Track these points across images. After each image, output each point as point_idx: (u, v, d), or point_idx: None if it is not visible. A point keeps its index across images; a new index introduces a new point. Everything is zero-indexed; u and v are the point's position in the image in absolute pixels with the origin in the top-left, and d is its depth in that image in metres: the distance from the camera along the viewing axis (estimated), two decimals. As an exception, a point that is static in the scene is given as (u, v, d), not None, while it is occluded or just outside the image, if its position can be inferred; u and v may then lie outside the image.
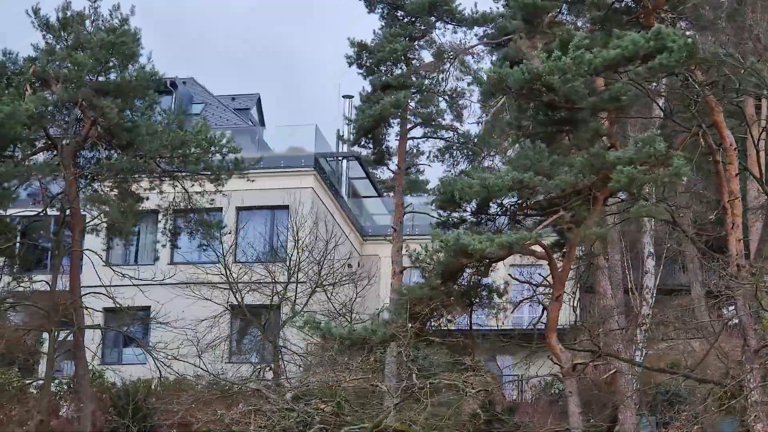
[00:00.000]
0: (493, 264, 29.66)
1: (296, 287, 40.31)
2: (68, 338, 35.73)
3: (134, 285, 35.28)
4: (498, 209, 29.96)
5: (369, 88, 38.08)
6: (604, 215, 30.88)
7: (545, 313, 29.94)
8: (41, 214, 34.89)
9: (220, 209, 40.92)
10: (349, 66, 38.41)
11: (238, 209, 45.24)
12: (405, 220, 45.07)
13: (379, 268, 46.69)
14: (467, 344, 29.64)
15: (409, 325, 27.38)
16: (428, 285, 28.53)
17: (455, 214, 30.01)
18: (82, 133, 34.28)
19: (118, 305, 35.63)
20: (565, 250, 30.02)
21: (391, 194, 44.76)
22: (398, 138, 38.01)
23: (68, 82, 33.53)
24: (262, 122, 57.77)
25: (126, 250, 41.71)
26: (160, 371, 35.98)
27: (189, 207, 35.37)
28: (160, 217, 36.63)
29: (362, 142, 37.75)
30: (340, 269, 41.86)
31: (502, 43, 41.24)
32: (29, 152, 34.04)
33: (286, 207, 45.02)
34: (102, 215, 33.51)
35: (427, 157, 38.55)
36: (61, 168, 33.32)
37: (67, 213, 34.35)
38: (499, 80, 29.27)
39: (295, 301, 40.41)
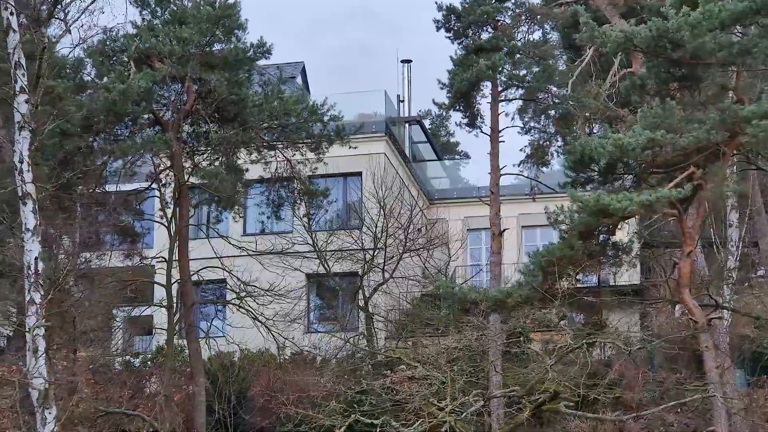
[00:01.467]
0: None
1: (384, 253, 40.32)
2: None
3: (250, 255, 35.20)
4: (624, 169, 30.10)
5: (454, 52, 37.98)
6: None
7: (676, 269, 30.07)
8: (149, 189, 34.66)
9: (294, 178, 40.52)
10: (437, 30, 38.36)
11: (310, 177, 45.10)
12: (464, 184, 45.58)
13: (447, 231, 46.62)
14: (600, 303, 29.75)
15: (565, 284, 27.36)
16: (567, 245, 28.61)
17: (582, 175, 30.09)
18: (186, 107, 34.03)
19: (236, 279, 35.57)
20: (692, 206, 30.13)
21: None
22: (490, 101, 37.95)
23: (172, 58, 33.21)
24: (307, 90, 57.47)
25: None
26: (278, 345, 35.96)
27: (292, 176, 35.15)
28: (263, 188, 36.45)
29: (457, 107, 37.59)
30: (425, 233, 41.93)
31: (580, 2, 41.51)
32: (136, 129, 33.80)
33: (359, 174, 45.02)
34: (213, 188, 33.25)
35: (521, 119, 38.42)
36: (171, 142, 33.07)
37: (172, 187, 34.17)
38: (627, 39, 29.29)
39: (384, 267, 40.47)
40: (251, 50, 33.55)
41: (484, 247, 48.22)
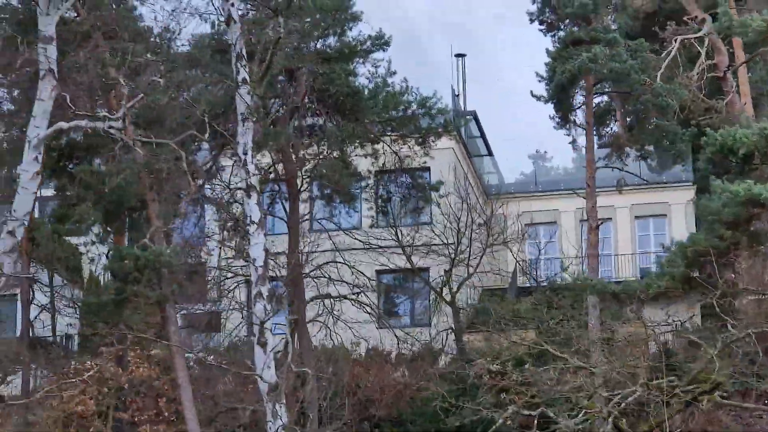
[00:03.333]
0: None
1: (470, 248, 40.21)
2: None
3: (375, 249, 34.93)
4: (761, 159, 30.20)
5: (549, 45, 37.93)
6: None
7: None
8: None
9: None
10: (531, 22, 38.31)
11: (377, 173, 44.85)
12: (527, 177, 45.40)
13: (507, 226, 46.60)
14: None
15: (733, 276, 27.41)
16: (716, 235, 28.67)
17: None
18: (298, 100, 33.64)
19: (357, 273, 35.31)
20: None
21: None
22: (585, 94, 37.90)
23: (283, 50, 32.77)
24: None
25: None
26: (398, 340, 35.77)
27: (400, 169, 34.92)
28: (370, 182, 36.16)
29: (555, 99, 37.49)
30: (506, 229, 41.89)
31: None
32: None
33: (428, 169, 44.79)
34: (333, 182, 32.94)
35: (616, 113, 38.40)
36: (284, 136, 32.68)
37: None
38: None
39: (468, 262, 40.36)
40: (368, 42, 33.18)
41: (542, 241, 48.28)
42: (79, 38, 30.05)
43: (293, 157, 33.77)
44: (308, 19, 32.77)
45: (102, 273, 44.20)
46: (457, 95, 50.36)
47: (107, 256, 39.81)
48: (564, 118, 38.72)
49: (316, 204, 37.54)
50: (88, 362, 33.39)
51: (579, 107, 38.04)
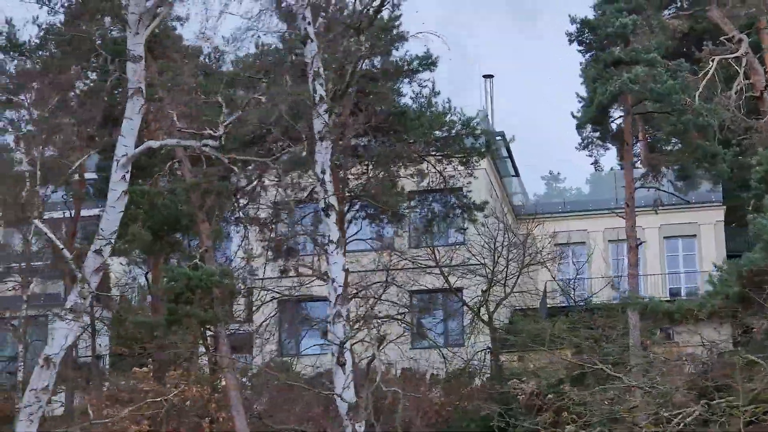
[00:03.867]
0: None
1: (507, 268, 40.18)
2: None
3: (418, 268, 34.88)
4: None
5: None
6: None
7: None
8: (306, 202, 34.25)
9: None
10: (570, 43, 38.40)
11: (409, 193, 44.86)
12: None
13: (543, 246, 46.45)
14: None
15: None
16: (771, 254, 28.73)
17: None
18: (342, 120, 33.60)
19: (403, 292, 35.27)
20: None
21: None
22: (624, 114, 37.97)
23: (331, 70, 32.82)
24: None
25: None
26: (445, 359, 35.68)
27: (446, 188, 34.97)
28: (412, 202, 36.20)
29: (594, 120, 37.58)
30: (542, 249, 41.83)
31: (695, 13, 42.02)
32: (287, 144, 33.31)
33: (460, 189, 44.79)
34: (381, 202, 32.94)
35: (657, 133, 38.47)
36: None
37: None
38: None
39: (505, 282, 40.34)
40: (414, 62, 33.24)
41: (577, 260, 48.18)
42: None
43: (339, 176, 33.68)
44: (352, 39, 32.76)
45: (134, 293, 44.32)
46: (486, 115, 50.42)
47: (145, 277, 39.96)
48: (602, 139, 38.83)
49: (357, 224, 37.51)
50: (135, 383, 33.33)
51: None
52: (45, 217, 41.55)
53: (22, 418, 18.69)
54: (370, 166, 34.04)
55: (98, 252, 18.85)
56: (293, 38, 33.63)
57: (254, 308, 36.67)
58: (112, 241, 19.03)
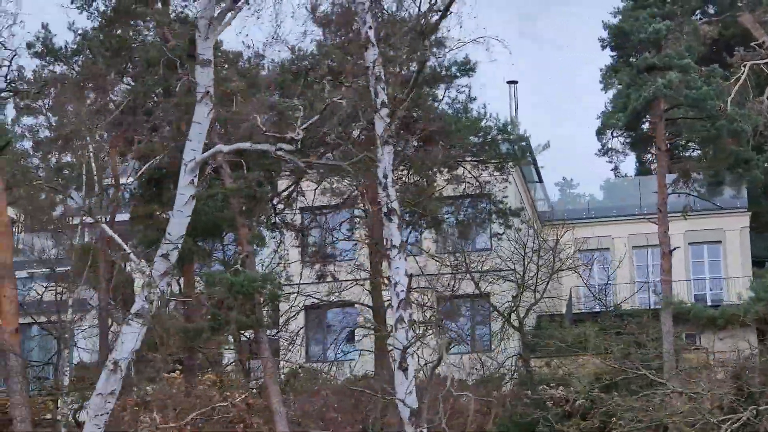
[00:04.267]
0: None
1: (537, 274, 40.15)
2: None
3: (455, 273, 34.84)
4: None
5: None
6: None
7: None
8: (343, 208, 34.27)
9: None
10: (602, 49, 38.43)
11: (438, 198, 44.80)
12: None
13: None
14: None
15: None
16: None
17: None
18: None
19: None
20: None
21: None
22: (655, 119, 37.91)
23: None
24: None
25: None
26: (482, 364, 35.59)
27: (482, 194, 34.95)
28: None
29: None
30: (572, 254, 41.84)
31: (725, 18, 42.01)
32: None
33: (488, 195, 44.74)
34: (422, 208, 32.91)
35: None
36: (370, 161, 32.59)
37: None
38: None
39: (535, 288, 40.30)
40: (453, 67, 33.22)
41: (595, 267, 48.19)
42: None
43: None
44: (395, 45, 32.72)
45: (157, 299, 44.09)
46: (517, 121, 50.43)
47: (178, 283, 39.84)
48: (634, 145, 38.82)
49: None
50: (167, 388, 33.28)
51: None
52: (75, 222, 41.69)
53: (88, 422, 18.60)
54: (407, 172, 33.94)
55: (165, 256, 18.80)
56: (331, 45, 33.82)
57: (292, 314, 36.56)
58: (179, 246, 18.98)
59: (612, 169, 40.65)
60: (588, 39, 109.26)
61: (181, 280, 38.61)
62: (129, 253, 19.28)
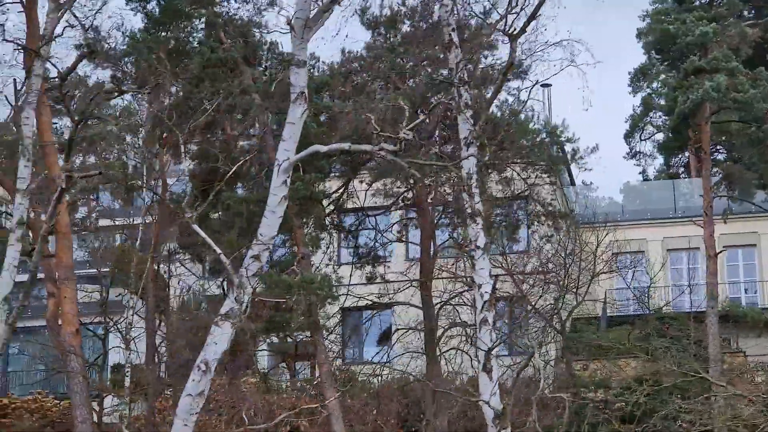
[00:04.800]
0: None
1: (578, 276, 40.11)
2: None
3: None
4: None
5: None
6: None
7: None
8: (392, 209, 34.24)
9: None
10: (646, 53, 38.44)
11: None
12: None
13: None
14: None
15: None
16: None
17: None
18: (430, 129, 33.59)
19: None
20: None
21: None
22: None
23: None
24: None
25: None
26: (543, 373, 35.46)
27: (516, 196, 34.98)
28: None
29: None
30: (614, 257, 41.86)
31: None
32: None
33: (525, 198, 44.72)
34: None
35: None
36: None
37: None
38: None
39: (577, 290, 40.27)
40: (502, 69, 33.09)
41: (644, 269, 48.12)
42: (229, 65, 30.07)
43: (423, 182, 33.65)
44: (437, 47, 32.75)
45: (192, 301, 44.11)
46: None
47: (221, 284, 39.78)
48: (680, 148, 38.84)
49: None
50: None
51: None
52: (117, 222, 41.71)
53: (177, 422, 18.53)
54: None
55: (256, 257, 18.73)
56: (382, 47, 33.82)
57: (333, 315, 36.52)
58: (271, 246, 18.93)
59: (641, 172, 40.54)
60: (588, 39, 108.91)
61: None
62: (220, 254, 19.14)
